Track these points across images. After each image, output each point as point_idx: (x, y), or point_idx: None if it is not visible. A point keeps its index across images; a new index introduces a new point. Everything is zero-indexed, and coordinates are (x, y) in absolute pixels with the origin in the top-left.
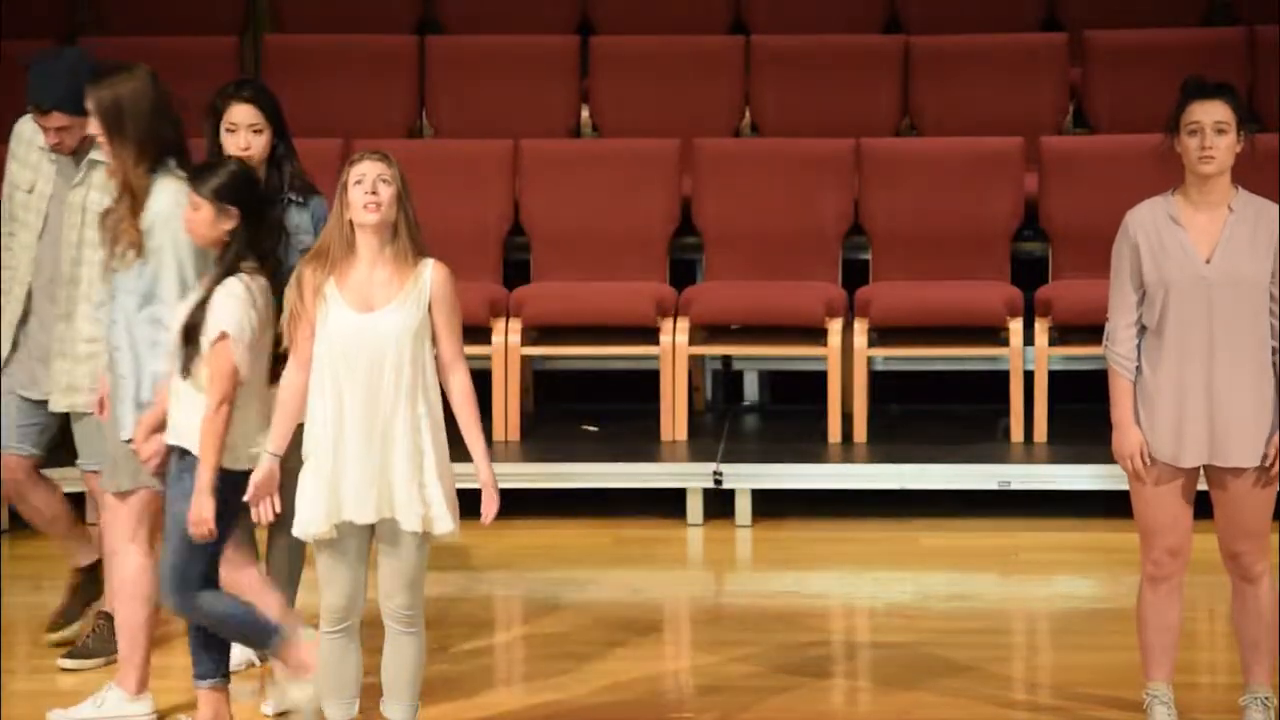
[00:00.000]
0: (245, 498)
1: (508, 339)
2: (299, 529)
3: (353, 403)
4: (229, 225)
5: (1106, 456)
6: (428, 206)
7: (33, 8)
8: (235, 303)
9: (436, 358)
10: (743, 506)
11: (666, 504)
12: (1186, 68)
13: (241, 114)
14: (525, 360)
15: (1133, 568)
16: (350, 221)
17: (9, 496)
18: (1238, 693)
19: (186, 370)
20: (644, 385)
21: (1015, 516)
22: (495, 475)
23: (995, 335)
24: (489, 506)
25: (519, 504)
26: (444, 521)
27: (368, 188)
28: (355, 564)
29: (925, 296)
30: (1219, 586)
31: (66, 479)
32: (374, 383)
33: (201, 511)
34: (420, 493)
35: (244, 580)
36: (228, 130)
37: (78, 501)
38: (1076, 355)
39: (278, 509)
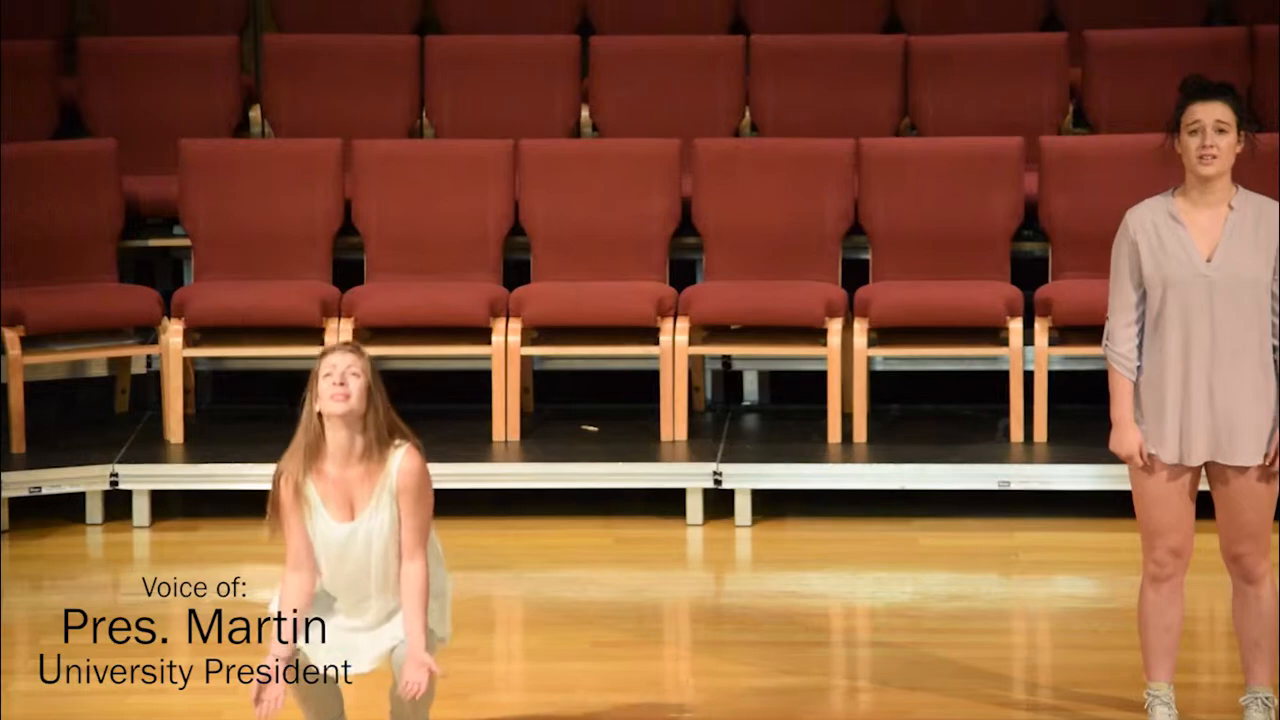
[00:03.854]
0: (250, 688)
1: (508, 339)
2: None
3: (345, 600)
4: None
5: (1107, 456)
6: (428, 207)
7: (33, 8)
8: None
9: (401, 541)
10: (743, 506)
11: (666, 504)
12: (1186, 68)
13: None
14: (525, 360)
15: (1133, 568)
16: (319, 413)
17: None
18: (1238, 692)
19: None
20: (644, 385)
21: (1015, 516)
22: (428, 656)
23: (995, 335)
24: (415, 676)
25: (519, 504)
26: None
27: (336, 379)
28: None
29: (925, 296)
30: (1219, 586)
31: (63, 480)
32: (360, 583)
33: None
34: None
35: None
36: None
37: (77, 501)
38: (1076, 355)
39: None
